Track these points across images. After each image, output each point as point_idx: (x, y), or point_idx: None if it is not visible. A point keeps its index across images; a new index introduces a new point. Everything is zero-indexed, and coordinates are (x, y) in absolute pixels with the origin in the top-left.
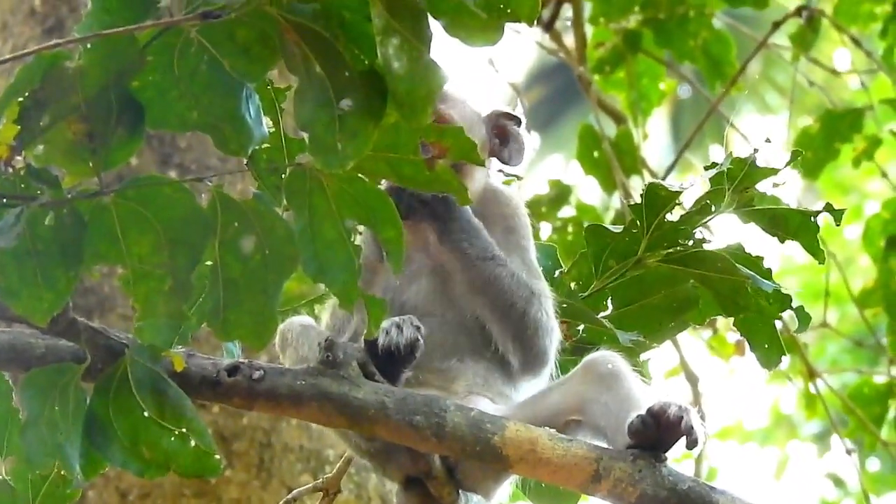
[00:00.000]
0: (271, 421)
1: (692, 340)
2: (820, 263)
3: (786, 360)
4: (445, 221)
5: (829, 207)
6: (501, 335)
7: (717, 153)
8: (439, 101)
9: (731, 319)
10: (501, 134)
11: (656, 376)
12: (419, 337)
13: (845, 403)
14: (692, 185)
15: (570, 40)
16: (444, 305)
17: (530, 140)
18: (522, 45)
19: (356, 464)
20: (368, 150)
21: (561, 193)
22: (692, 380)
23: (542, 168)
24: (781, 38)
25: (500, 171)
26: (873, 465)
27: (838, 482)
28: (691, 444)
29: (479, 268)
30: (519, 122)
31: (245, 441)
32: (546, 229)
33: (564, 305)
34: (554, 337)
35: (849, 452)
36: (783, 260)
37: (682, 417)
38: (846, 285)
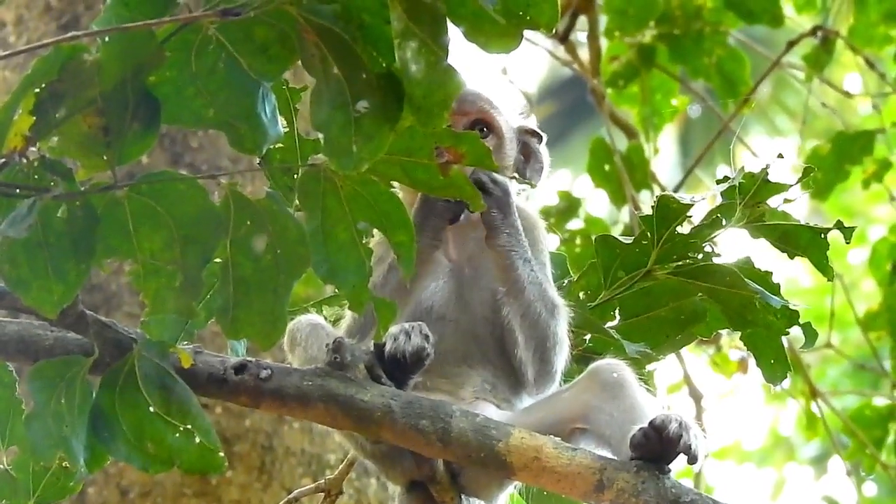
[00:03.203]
0: (273, 424)
1: (695, 357)
2: (828, 280)
3: (787, 380)
4: (504, 216)
5: (839, 225)
6: (525, 345)
7: (725, 172)
8: (489, 107)
9: (734, 336)
10: (525, 150)
11: (661, 392)
12: (426, 346)
13: (846, 425)
14: (703, 198)
15: (584, 54)
16: (459, 309)
17: (548, 159)
18: (533, 61)
19: (356, 469)
20: (383, 153)
21: (570, 206)
22: (696, 396)
23: (550, 183)
24: (793, 60)
25: (514, 177)
26: (870, 489)
27: None
28: (692, 460)
29: (521, 271)
30: (541, 140)
31: (247, 443)
32: (554, 241)
33: (572, 315)
34: (565, 355)
35: (849, 474)
36: (787, 282)
37: (681, 436)
38: (851, 308)
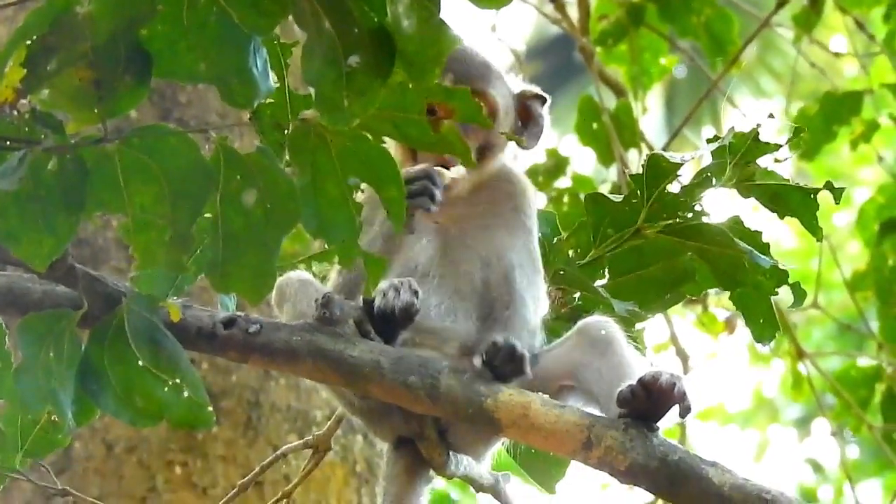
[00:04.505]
0: (259, 380)
1: (681, 318)
2: (818, 241)
3: (772, 341)
4: None
5: (829, 185)
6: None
7: (711, 132)
8: (486, 84)
9: (721, 296)
10: (524, 114)
11: (649, 351)
12: (415, 301)
13: (832, 385)
14: (693, 157)
15: (573, 12)
16: (444, 265)
17: (549, 120)
18: (520, 19)
19: (343, 426)
20: (374, 108)
21: (558, 164)
22: (682, 356)
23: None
24: (781, 21)
25: (513, 138)
26: (852, 452)
27: (817, 467)
28: (684, 412)
29: None
30: (544, 102)
31: (233, 399)
32: (542, 199)
33: (562, 273)
34: (542, 312)
35: (833, 434)
36: (771, 245)
37: (674, 384)
38: (838, 268)
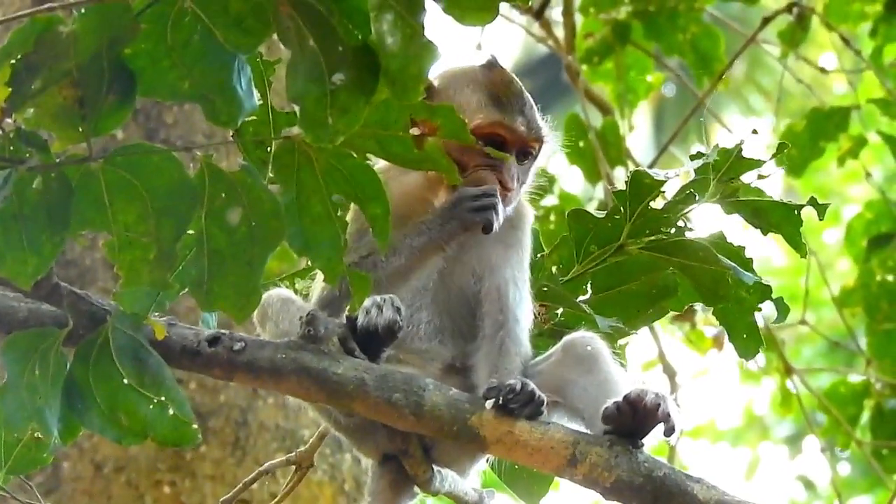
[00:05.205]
0: (248, 399)
1: (670, 335)
2: (802, 257)
3: (762, 358)
4: None
5: (813, 202)
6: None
7: (698, 149)
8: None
9: (710, 313)
10: None
11: (634, 367)
12: (398, 319)
13: (821, 402)
14: (677, 174)
15: (559, 31)
16: (438, 281)
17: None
18: (508, 38)
19: (331, 445)
20: (358, 125)
21: (545, 182)
22: (670, 372)
23: None
24: (768, 38)
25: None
26: (843, 469)
27: (808, 485)
28: (669, 431)
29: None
30: None
31: (221, 418)
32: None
33: (545, 289)
34: (528, 334)
35: (823, 451)
36: (761, 262)
37: (659, 405)
38: (826, 284)
